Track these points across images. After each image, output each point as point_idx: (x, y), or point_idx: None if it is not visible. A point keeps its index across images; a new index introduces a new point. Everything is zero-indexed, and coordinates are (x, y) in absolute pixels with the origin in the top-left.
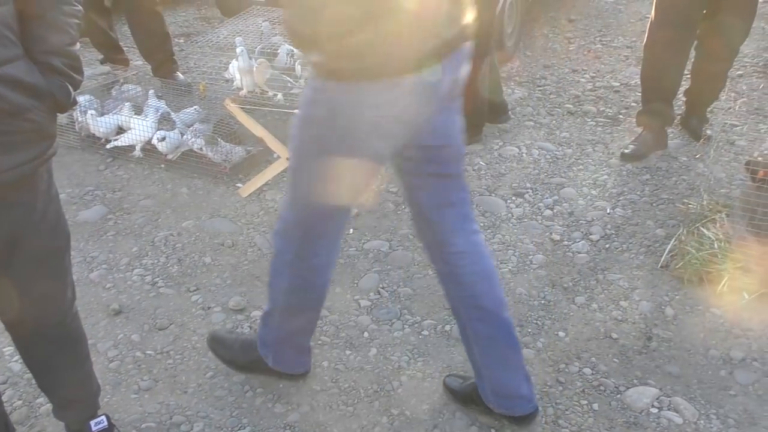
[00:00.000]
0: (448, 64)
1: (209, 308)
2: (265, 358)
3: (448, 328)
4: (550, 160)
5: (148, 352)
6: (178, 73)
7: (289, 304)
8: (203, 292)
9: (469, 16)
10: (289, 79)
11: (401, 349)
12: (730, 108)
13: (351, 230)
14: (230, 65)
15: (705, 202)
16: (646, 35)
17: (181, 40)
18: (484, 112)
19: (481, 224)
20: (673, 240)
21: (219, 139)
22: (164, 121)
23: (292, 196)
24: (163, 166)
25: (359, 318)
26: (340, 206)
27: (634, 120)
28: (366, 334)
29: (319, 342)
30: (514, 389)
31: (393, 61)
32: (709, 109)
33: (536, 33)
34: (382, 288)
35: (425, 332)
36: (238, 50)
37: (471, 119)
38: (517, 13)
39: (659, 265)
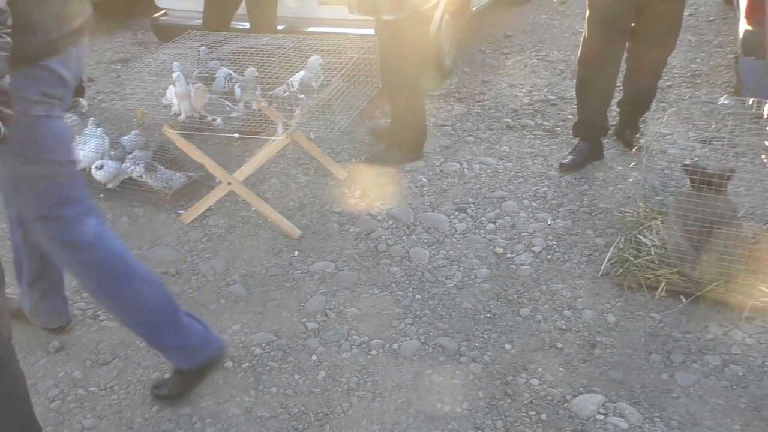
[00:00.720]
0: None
1: None
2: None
3: (396, 346)
4: (491, 174)
5: (91, 388)
6: (81, 100)
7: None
8: None
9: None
10: (227, 103)
11: (350, 371)
12: (660, 118)
13: (296, 252)
14: (167, 91)
15: (641, 210)
16: (580, 49)
17: (118, 66)
18: (424, 130)
19: (426, 241)
20: (612, 248)
21: (159, 166)
22: (114, 148)
23: None
24: (102, 195)
25: (307, 341)
26: None
27: (571, 132)
28: (314, 357)
29: (267, 368)
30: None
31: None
32: (641, 119)
33: (474, 50)
34: (329, 309)
35: (373, 352)
36: (174, 75)
37: (412, 138)
38: (455, 31)
39: (600, 273)
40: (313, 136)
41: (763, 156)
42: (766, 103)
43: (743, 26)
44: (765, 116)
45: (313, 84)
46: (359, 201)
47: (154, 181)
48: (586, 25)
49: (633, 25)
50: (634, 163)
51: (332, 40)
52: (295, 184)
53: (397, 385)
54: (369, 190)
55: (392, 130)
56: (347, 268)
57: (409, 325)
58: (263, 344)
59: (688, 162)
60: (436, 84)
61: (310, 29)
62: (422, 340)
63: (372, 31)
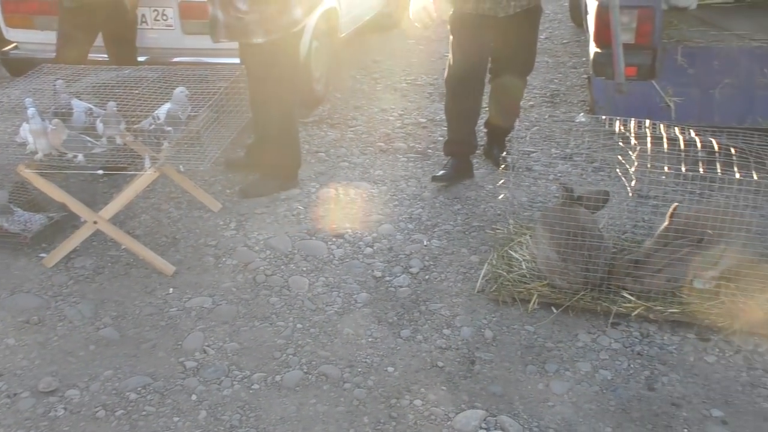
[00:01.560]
0: None
1: (15, 395)
2: None
3: (278, 378)
4: (367, 199)
5: None
6: None
7: None
8: (7, 377)
9: None
10: (89, 138)
11: (232, 408)
12: (524, 136)
13: (171, 290)
14: (21, 128)
15: (511, 227)
16: (446, 72)
17: None
18: (299, 157)
19: (305, 269)
20: (485, 265)
21: (15, 208)
22: None
23: None
24: None
25: (186, 381)
26: None
27: (442, 152)
28: (194, 397)
29: (144, 413)
30: None
31: None
32: (507, 138)
33: (344, 75)
34: (208, 346)
35: (256, 386)
36: (29, 112)
37: (287, 165)
38: (324, 57)
39: (476, 290)
40: (183, 169)
41: (617, 170)
42: (617, 120)
43: (593, 48)
44: (617, 132)
45: (180, 116)
46: (235, 233)
47: (11, 225)
48: (450, 49)
49: (493, 47)
50: (502, 181)
51: (198, 70)
52: (167, 219)
53: (281, 418)
54: (245, 220)
55: (266, 159)
56: (225, 302)
57: (291, 356)
58: (138, 388)
59: (551, 178)
60: (308, 111)
61: (175, 59)
62: (305, 370)
63: (238, 60)
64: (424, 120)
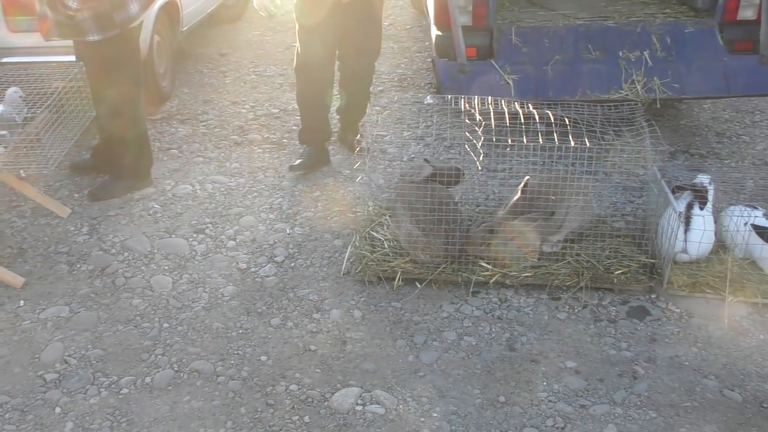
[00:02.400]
0: None
1: None
2: None
3: (148, 380)
4: (225, 192)
5: None
6: None
7: None
8: None
9: None
10: None
11: (101, 415)
12: (377, 120)
13: (21, 302)
14: None
15: (371, 208)
16: (295, 61)
17: None
18: (149, 155)
19: (166, 268)
20: (349, 248)
21: None
22: None
23: None
24: None
25: (47, 394)
26: None
27: (297, 141)
28: (58, 410)
29: None
30: None
31: None
32: (360, 123)
33: (191, 70)
34: (69, 356)
35: (125, 390)
36: None
37: (137, 164)
38: (168, 52)
39: (342, 273)
40: (24, 175)
41: (467, 146)
42: (462, 98)
43: (434, 32)
44: (463, 110)
45: (16, 118)
46: (88, 237)
47: None
48: (297, 37)
49: (339, 34)
50: (358, 164)
51: (31, 69)
52: (11, 229)
53: (154, 419)
54: (97, 224)
55: (116, 159)
56: (84, 309)
57: (160, 356)
58: None
59: (405, 159)
60: (155, 108)
61: (4, 60)
62: (176, 369)
63: (74, 58)
64: (276, 110)
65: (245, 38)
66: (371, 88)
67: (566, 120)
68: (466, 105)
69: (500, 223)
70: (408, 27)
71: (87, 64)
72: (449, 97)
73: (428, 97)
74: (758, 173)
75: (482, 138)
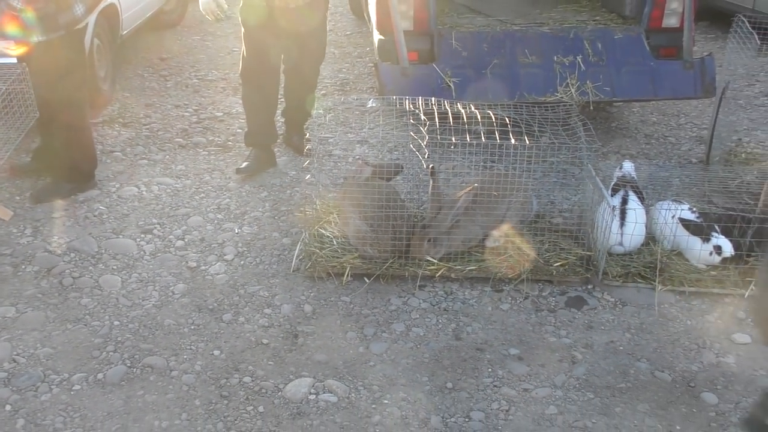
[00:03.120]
0: None
1: None
2: None
3: (101, 376)
4: (171, 194)
5: None
6: None
7: None
8: None
9: None
10: None
11: (53, 411)
12: (322, 123)
13: None
14: None
15: (318, 207)
16: (241, 65)
17: None
18: (94, 157)
19: (115, 267)
20: (298, 245)
21: None
22: None
23: None
24: None
25: None
26: None
27: (243, 144)
28: (8, 407)
29: None
30: None
31: None
32: (305, 125)
33: (131, 74)
34: (17, 355)
35: (77, 387)
36: None
37: (81, 166)
38: (108, 55)
39: (291, 270)
40: None
41: (411, 146)
42: (405, 100)
43: (377, 36)
44: (407, 111)
45: None
46: (32, 239)
47: None
48: (243, 41)
49: (283, 38)
50: (306, 163)
51: None
52: None
53: (108, 414)
54: (41, 226)
55: (59, 161)
56: (31, 309)
57: (111, 353)
58: None
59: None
60: (96, 111)
61: None
62: (128, 364)
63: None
64: (220, 114)
65: (185, 43)
66: (315, 91)
67: (506, 120)
68: (410, 106)
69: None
70: (348, 33)
71: (31, 65)
72: (394, 99)
73: (371, 101)
74: (683, 172)
75: (426, 137)
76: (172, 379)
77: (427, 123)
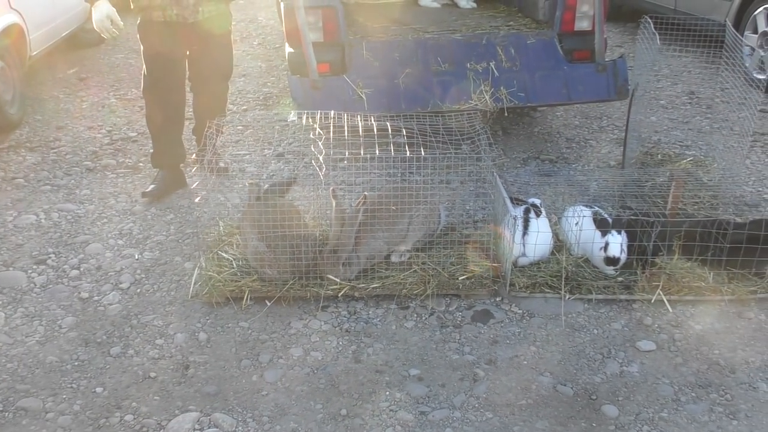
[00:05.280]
0: None
1: None
2: None
3: None
4: (72, 220)
5: None
6: None
7: None
8: None
9: None
10: None
11: None
12: (239, 140)
13: None
14: None
15: (221, 229)
16: (142, 83)
17: None
18: None
19: (1, 302)
20: (196, 270)
21: None
22: None
23: None
24: None
25: None
26: None
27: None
28: None
29: None
30: None
31: None
32: (219, 142)
33: (45, 96)
34: None
35: None
36: None
37: None
38: (15, 78)
39: (190, 296)
40: None
41: (312, 162)
42: (305, 114)
43: (287, 49)
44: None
45: None
46: None
47: None
48: (143, 59)
49: (187, 51)
50: (196, 184)
51: None
52: None
53: None
54: None
55: None
56: None
57: None
58: None
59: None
60: (2, 136)
61: None
62: (1, 408)
63: None
64: (134, 134)
65: (108, 61)
66: (234, 107)
67: (403, 131)
68: (310, 120)
69: (341, 242)
70: (277, 46)
71: None
72: (307, 113)
73: (292, 114)
74: (602, 175)
75: (323, 152)
76: (46, 422)
77: (323, 136)
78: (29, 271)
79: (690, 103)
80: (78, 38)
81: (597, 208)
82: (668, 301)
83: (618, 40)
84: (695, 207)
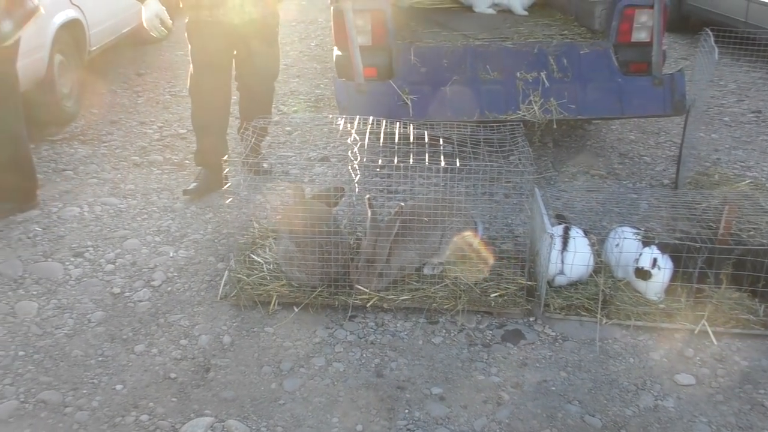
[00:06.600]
0: None
1: None
2: None
3: None
4: (114, 215)
5: None
6: None
7: None
8: None
9: None
10: None
11: None
12: (286, 141)
13: None
14: None
15: (256, 231)
16: (188, 82)
17: None
18: (33, 176)
19: (35, 293)
20: (226, 272)
21: None
22: None
23: None
24: None
25: None
26: None
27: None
28: None
29: None
30: None
31: None
32: (262, 142)
33: (103, 90)
34: None
35: None
36: None
37: (20, 186)
38: (73, 72)
39: (219, 298)
40: None
41: (348, 168)
42: (341, 118)
43: (335, 52)
44: (354, 130)
45: None
46: None
47: None
48: (190, 58)
49: (234, 52)
50: (227, 185)
51: None
52: None
53: None
54: None
55: None
56: None
57: (7, 386)
58: None
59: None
60: (58, 128)
61: None
62: (22, 399)
63: None
64: (184, 131)
65: (167, 58)
66: (285, 108)
67: (454, 140)
68: (366, 125)
69: (374, 251)
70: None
71: None
72: (357, 118)
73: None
74: (653, 194)
75: (358, 158)
76: (64, 417)
77: (358, 142)
78: (66, 263)
79: (756, 121)
80: (138, 34)
81: (642, 230)
82: (713, 332)
83: (683, 52)
84: (750, 233)
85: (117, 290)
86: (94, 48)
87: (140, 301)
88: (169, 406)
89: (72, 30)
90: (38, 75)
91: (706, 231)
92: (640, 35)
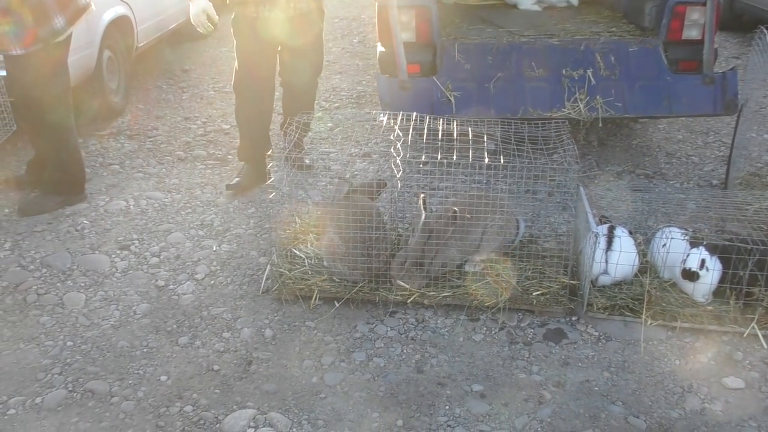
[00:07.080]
0: None
1: None
2: None
3: (39, 400)
4: (158, 208)
5: None
6: None
7: None
8: None
9: None
10: None
11: None
12: (328, 137)
13: None
14: None
15: (298, 225)
16: (233, 78)
17: None
18: (82, 169)
19: (83, 284)
20: (268, 266)
21: None
22: None
23: None
24: None
25: None
26: None
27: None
28: None
29: None
30: None
31: None
32: (305, 138)
33: (149, 85)
34: None
35: (12, 411)
36: None
37: (70, 179)
38: (121, 67)
39: (261, 292)
40: None
41: (391, 164)
42: (381, 115)
43: (378, 48)
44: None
45: None
46: (9, 253)
47: None
48: (235, 53)
49: (279, 48)
50: (271, 180)
51: None
52: None
53: None
54: (21, 239)
55: (47, 174)
56: None
57: (56, 375)
58: None
59: (348, 176)
60: (106, 123)
61: None
62: (70, 388)
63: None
64: (227, 126)
65: (212, 54)
66: (327, 104)
67: (498, 138)
68: (409, 121)
69: (416, 250)
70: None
71: (10, 77)
72: (396, 114)
73: (381, 114)
74: (701, 195)
75: (401, 154)
76: (110, 406)
77: (401, 139)
78: (113, 256)
79: None
80: (184, 31)
81: (690, 231)
82: (763, 336)
83: (735, 51)
84: None
85: (162, 283)
86: (142, 44)
87: (184, 294)
88: (213, 398)
89: (121, 26)
90: (88, 70)
91: (758, 232)
92: (691, 33)
